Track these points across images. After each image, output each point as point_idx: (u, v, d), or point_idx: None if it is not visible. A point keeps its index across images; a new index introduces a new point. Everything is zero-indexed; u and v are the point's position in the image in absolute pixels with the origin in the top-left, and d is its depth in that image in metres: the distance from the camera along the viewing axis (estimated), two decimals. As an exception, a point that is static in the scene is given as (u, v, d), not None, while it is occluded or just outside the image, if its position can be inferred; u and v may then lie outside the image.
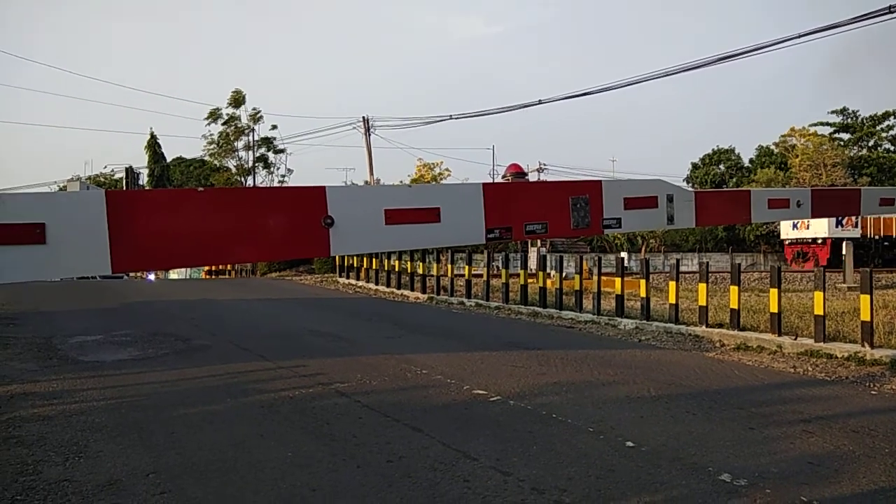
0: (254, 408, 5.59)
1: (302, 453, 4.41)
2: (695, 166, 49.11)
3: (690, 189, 4.04)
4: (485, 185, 2.52)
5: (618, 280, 10.95)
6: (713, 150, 49.11)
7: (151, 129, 50.34)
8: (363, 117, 32.88)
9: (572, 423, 4.98)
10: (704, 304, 9.41)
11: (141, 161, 47.90)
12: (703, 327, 9.28)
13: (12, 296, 13.53)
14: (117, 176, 47.94)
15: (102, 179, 52.31)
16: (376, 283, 18.77)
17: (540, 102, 24.33)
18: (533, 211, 2.66)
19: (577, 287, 11.91)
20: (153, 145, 48.26)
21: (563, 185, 2.83)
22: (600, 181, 3.02)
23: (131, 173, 39.75)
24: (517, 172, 21.95)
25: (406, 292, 16.63)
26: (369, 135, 35.29)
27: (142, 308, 12.82)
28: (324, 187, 2.27)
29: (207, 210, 1.99)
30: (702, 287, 9.49)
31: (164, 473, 4.05)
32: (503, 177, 21.50)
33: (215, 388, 6.29)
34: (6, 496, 3.70)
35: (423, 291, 16.14)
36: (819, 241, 27.83)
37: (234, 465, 4.23)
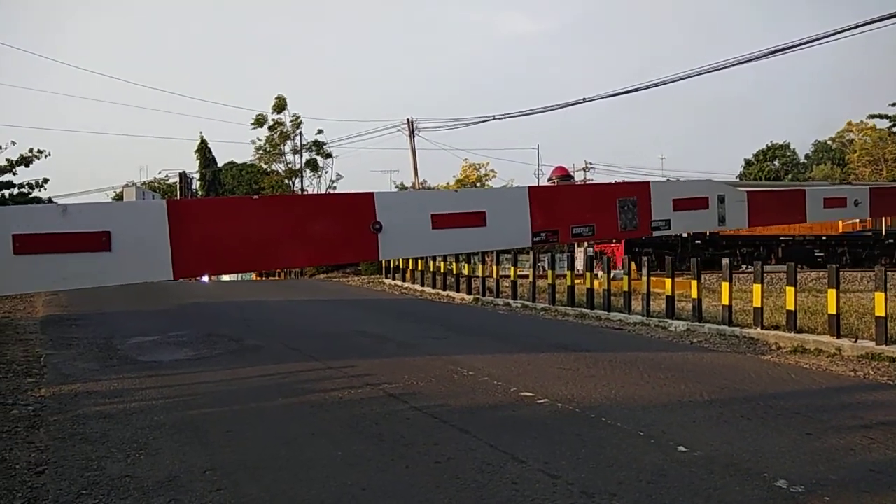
0: (304, 407, 5.70)
1: (352, 452, 4.48)
2: (748, 163, 47.82)
3: (742, 189, 3.91)
4: (531, 188, 2.52)
5: (668, 280, 10.75)
6: (767, 145, 47.75)
7: (201, 133, 51.78)
8: (407, 119, 33.08)
9: (622, 426, 4.92)
10: (759, 305, 9.15)
11: (193, 166, 49.33)
12: (759, 329, 9.03)
13: (74, 298, 14.12)
14: (171, 181, 49.49)
15: (157, 185, 54.06)
16: (422, 285, 18.88)
17: (585, 101, 24.08)
18: (580, 213, 2.66)
19: (625, 288, 11.74)
20: (203, 150, 49.59)
21: (610, 187, 2.81)
22: (648, 182, 2.98)
23: (184, 178, 40.95)
24: (563, 175, 21.72)
25: (451, 293, 16.67)
26: (413, 136, 35.53)
27: (196, 309, 13.21)
28: (372, 193, 2.32)
29: (262, 217, 2.06)
30: (757, 288, 9.24)
31: (219, 470, 4.17)
32: (549, 180, 21.31)
33: (267, 388, 6.44)
34: (73, 490, 3.88)
35: (469, 293, 16.15)
36: (614, 241, 25.13)
37: (286, 463, 4.33)
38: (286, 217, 2.10)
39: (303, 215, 2.10)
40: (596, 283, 12.60)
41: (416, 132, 34.06)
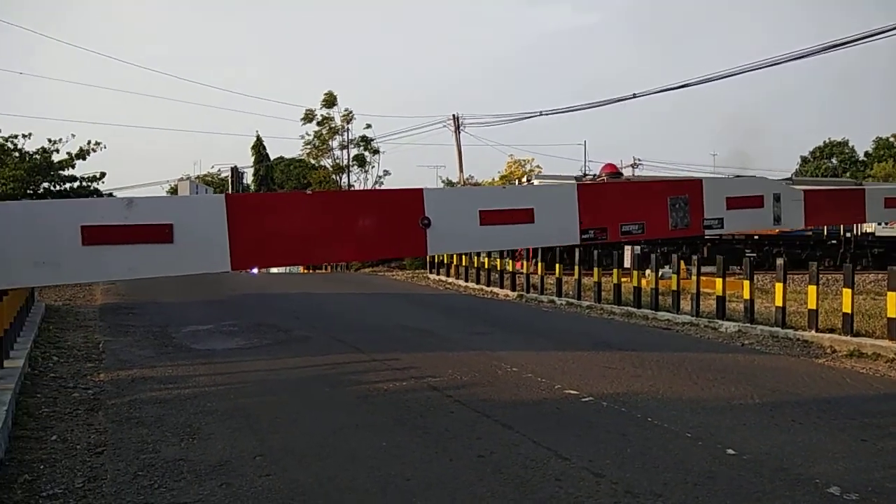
0: (350, 398, 5.80)
1: (396, 444, 4.55)
2: (804, 160, 46.23)
3: (799, 188, 3.79)
4: (579, 185, 2.51)
5: (718, 280, 10.50)
6: (824, 142, 46.08)
7: (257, 131, 52.91)
8: (453, 115, 33.10)
9: (669, 427, 4.85)
10: (814, 307, 8.86)
11: (244, 160, 50.48)
12: (813, 332, 8.75)
13: (130, 287, 14.64)
14: (223, 175, 50.77)
15: (210, 179, 55.51)
16: (466, 280, 18.90)
17: (634, 96, 23.68)
18: (629, 211, 2.63)
19: (674, 287, 11.52)
20: (258, 147, 50.68)
21: (661, 185, 2.78)
22: (701, 180, 2.93)
23: (236, 173, 41.97)
24: (613, 172, 21.34)
25: (495, 289, 16.65)
26: (459, 132, 35.52)
27: (246, 300, 13.54)
28: (421, 190, 2.35)
29: (315, 212, 2.11)
30: (812, 289, 8.95)
31: (268, 456, 4.29)
32: (598, 177, 20.97)
33: (314, 378, 6.57)
34: (130, 471, 4.04)
35: (513, 289, 16.10)
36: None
37: (332, 452, 4.42)
38: (338, 212, 2.14)
39: (354, 210, 2.14)
40: (643, 281, 12.40)
41: (461, 128, 34.08)
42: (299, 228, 2.10)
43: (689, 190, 2.80)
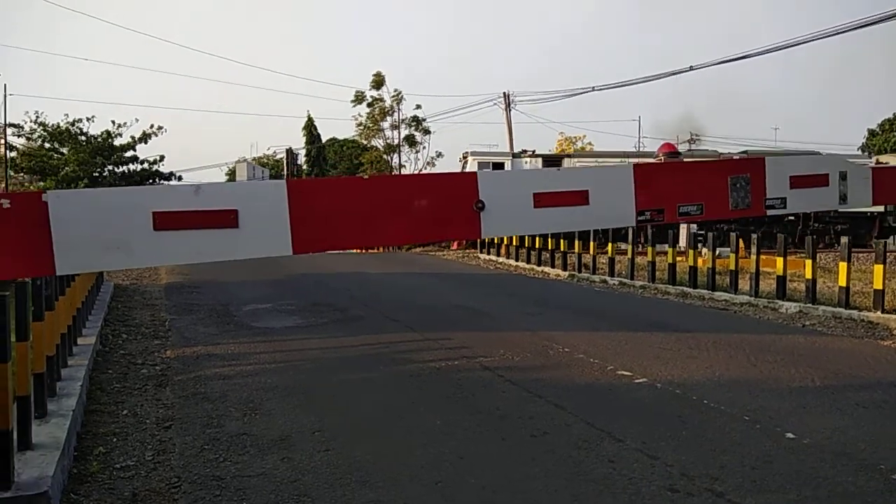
0: (404, 376, 5.92)
1: (449, 422, 4.63)
2: (872, 133, 43.95)
3: (867, 165, 3.63)
4: (636, 166, 2.49)
5: (779, 259, 10.17)
6: (894, 114, 43.59)
7: (308, 112, 53.54)
8: (503, 93, 32.82)
9: (725, 410, 4.78)
10: (881, 287, 8.51)
11: (296, 142, 51.26)
12: (878, 313, 8.41)
13: (193, 267, 15.16)
14: (279, 157, 51.72)
15: (266, 160, 56.63)
16: (516, 260, 18.84)
17: (692, 69, 22.94)
18: (687, 192, 2.58)
19: (731, 266, 11.22)
20: (310, 127, 51.36)
21: (721, 164, 2.72)
22: (763, 158, 2.85)
23: (291, 154, 42.65)
24: (671, 152, 20.76)
25: (546, 269, 16.55)
26: (510, 110, 35.14)
27: (303, 280, 13.85)
28: (475, 173, 2.38)
29: (371, 196, 2.16)
30: (878, 268, 8.58)
31: (327, 432, 4.43)
32: (655, 157, 20.47)
33: (369, 356, 6.72)
34: (196, 444, 4.24)
35: (564, 268, 15.96)
36: None
37: (388, 429, 4.54)
38: (393, 196, 2.19)
39: (409, 194, 2.18)
40: (700, 260, 12.12)
41: (512, 106, 33.73)
42: (356, 212, 2.15)
43: (750, 169, 2.72)
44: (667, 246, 12.83)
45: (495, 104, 33.77)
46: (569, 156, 28.49)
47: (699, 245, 12.41)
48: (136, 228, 1.91)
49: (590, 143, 46.31)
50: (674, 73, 23.92)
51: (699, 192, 2.61)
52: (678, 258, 12.93)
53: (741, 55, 21.16)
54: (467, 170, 28.39)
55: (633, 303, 11.01)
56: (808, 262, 9.74)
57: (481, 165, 27.34)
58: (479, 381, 5.68)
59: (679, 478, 3.61)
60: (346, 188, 2.27)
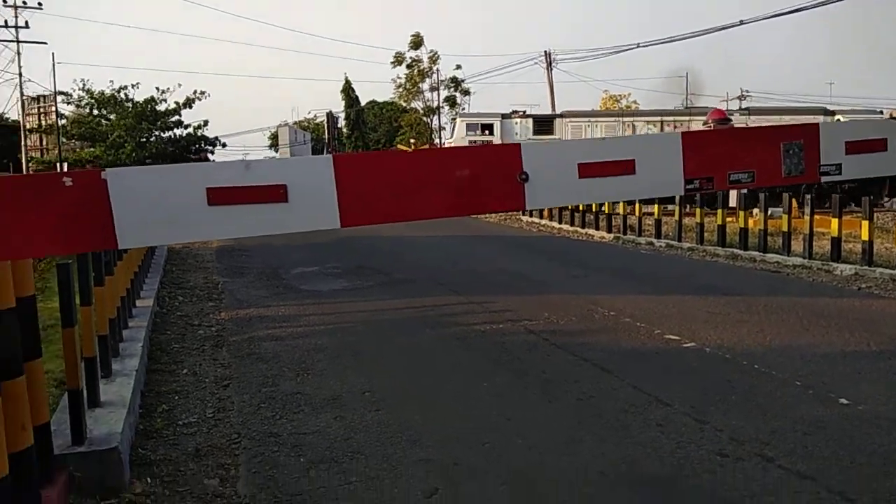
0: (449, 339, 6.00)
1: (495, 385, 4.69)
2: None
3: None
4: (684, 134, 2.44)
5: (834, 220, 9.84)
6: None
7: (346, 74, 53.54)
8: (545, 51, 32.19)
9: (777, 374, 4.71)
10: (944, 249, 8.17)
11: (336, 105, 51.36)
12: (942, 276, 8.09)
13: (242, 230, 15.51)
14: (319, 120, 51.98)
15: (307, 124, 57.00)
16: (560, 222, 18.67)
17: (742, 23, 22.00)
18: (738, 158, 2.52)
19: (784, 228, 10.90)
20: (347, 90, 51.43)
21: (773, 130, 2.62)
22: (817, 124, 2.74)
23: (331, 118, 42.82)
24: (720, 119, 20.08)
25: (591, 231, 16.36)
26: (551, 69, 34.43)
27: (348, 243, 14.04)
28: (518, 145, 2.39)
29: (415, 170, 2.19)
30: (942, 230, 8.23)
31: (376, 393, 4.55)
32: (705, 124, 19.85)
33: (415, 319, 6.82)
34: (253, 402, 4.41)
35: (609, 230, 15.76)
36: None
37: (435, 391, 4.63)
38: (437, 169, 2.21)
39: (453, 167, 2.20)
40: (751, 221, 11.80)
41: (553, 65, 33.02)
42: (401, 186, 2.18)
43: (804, 135, 2.63)
44: (716, 207, 12.53)
45: (536, 63, 33.15)
46: (561, 116, 27.79)
47: (750, 205, 12.08)
48: (191, 204, 1.98)
49: (635, 102, 45.19)
50: (723, 28, 22.98)
51: (750, 159, 2.54)
52: (728, 219, 12.62)
53: (794, 8, 20.17)
54: (455, 131, 28.21)
55: (680, 265, 10.84)
56: (865, 223, 9.40)
57: (469, 127, 27.21)
58: (525, 344, 5.72)
59: (728, 442, 3.60)
60: (390, 162, 2.31)
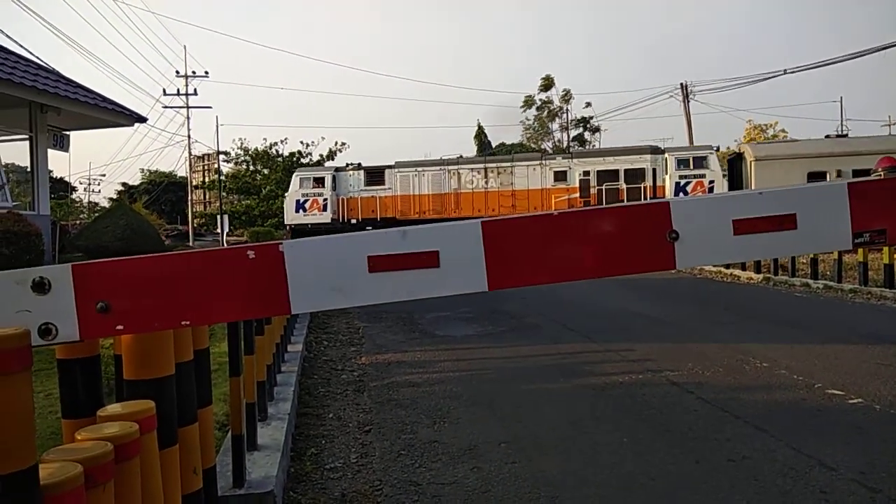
0: (586, 389, 5.86)
1: (637, 440, 4.51)
2: None
3: None
4: (849, 183, 2.28)
5: None
6: None
7: (478, 120, 54.96)
8: (681, 84, 31.16)
9: (965, 440, 4.16)
10: None
11: (467, 148, 52.75)
12: None
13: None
14: (451, 164, 53.62)
15: (439, 168, 58.97)
16: (702, 261, 17.78)
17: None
18: None
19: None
20: (480, 135, 52.79)
21: None
22: None
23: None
24: (892, 167, 18.33)
25: (737, 271, 15.39)
26: (688, 101, 33.25)
27: (478, 287, 14.25)
28: (668, 202, 2.33)
29: (561, 231, 2.21)
30: None
31: (513, 444, 4.53)
32: (874, 172, 18.24)
33: (549, 367, 6.74)
34: (394, 450, 4.55)
35: (758, 271, 14.74)
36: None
37: (573, 444, 4.53)
38: (583, 230, 2.22)
39: (598, 227, 2.19)
40: (924, 260, 10.59)
41: (690, 97, 31.89)
42: (547, 248, 2.21)
43: None
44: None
45: (672, 96, 32.19)
46: (390, 167, 27.01)
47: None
48: (354, 271, 2.12)
49: (783, 131, 42.44)
50: (882, 49, 21.13)
51: None
52: (896, 257, 11.41)
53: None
54: (290, 185, 28.20)
55: (841, 310, 9.89)
56: None
57: (303, 181, 27.33)
58: (667, 397, 5.46)
59: (909, 518, 3.21)
60: (535, 225, 2.34)
